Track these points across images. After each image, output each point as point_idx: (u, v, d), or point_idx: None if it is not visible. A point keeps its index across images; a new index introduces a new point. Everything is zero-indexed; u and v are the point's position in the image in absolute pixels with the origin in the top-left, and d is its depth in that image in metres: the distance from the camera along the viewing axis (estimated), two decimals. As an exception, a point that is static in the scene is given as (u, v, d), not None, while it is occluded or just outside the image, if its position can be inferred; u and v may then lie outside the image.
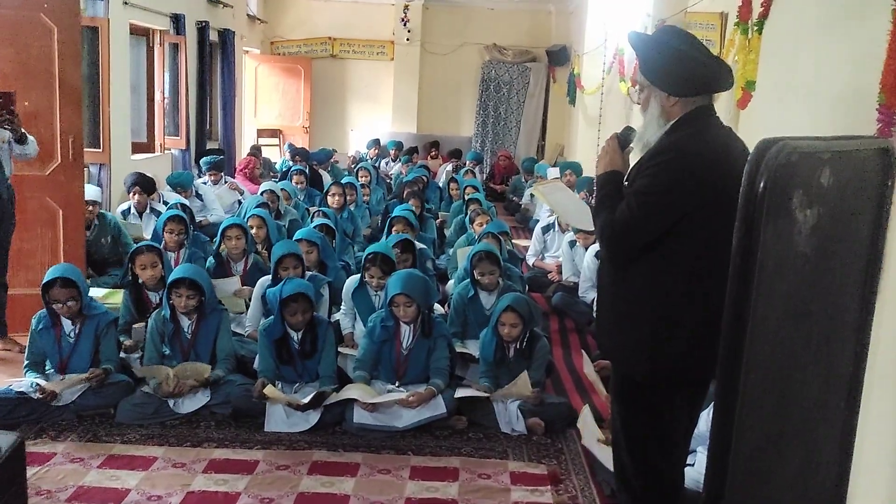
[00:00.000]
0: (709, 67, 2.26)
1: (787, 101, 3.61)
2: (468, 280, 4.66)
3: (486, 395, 3.83)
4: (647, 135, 2.33)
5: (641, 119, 2.39)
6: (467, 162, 11.51)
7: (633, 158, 2.42)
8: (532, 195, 9.91)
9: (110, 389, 3.77)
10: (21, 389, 3.65)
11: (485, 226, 6.00)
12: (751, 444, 1.61)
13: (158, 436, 3.60)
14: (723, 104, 2.40)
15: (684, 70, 2.23)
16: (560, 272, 6.29)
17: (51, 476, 3.15)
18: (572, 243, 6.14)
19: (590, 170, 8.48)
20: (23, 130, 4.31)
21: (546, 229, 6.95)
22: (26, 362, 3.83)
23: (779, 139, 1.67)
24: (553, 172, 9.46)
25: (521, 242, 7.98)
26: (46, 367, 3.86)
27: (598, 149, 8.55)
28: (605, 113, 8.91)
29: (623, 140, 2.42)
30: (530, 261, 6.93)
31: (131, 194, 6.40)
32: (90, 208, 5.58)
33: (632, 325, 2.29)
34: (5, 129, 4.21)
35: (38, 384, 3.64)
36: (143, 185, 6.38)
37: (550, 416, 3.84)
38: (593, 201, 2.44)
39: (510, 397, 3.83)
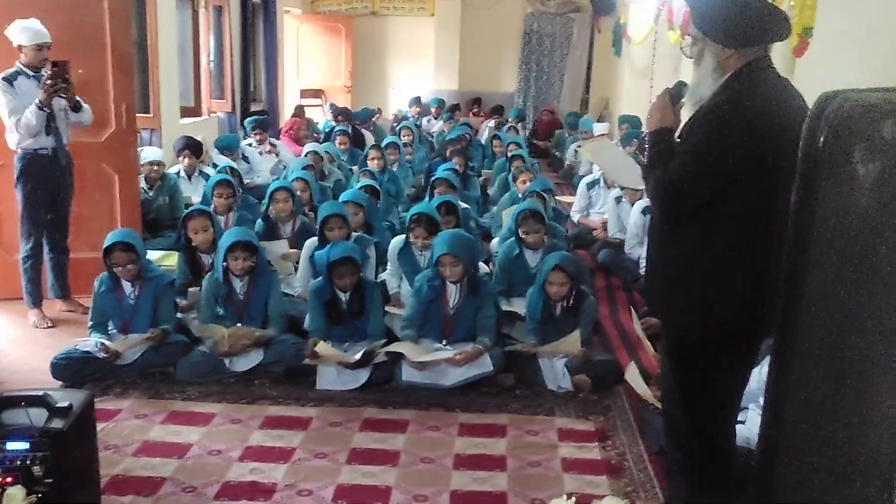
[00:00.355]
0: (765, 16, 2.18)
1: (845, 49, 3.50)
2: (513, 239, 4.67)
3: (534, 351, 3.86)
4: (700, 90, 2.27)
5: (693, 70, 2.33)
6: (509, 119, 11.41)
7: (686, 114, 2.37)
8: (577, 151, 9.80)
9: (169, 349, 3.90)
10: (86, 349, 3.79)
11: (528, 183, 5.97)
12: (806, 404, 1.61)
13: (216, 393, 3.72)
14: (778, 51, 2.34)
15: (739, 20, 2.17)
16: (605, 229, 6.25)
17: (117, 431, 3.29)
18: (618, 199, 6.09)
19: (638, 122, 8.36)
20: (78, 98, 4.40)
21: (591, 185, 6.89)
22: (90, 323, 3.97)
23: (839, 92, 1.63)
24: (600, 128, 9.31)
25: (566, 199, 7.93)
26: (109, 328, 4.00)
27: (649, 101, 8.38)
28: (655, 63, 8.71)
29: (675, 95, 2.37)
30: (575, 217, 6.89)
31: (181, 158, 6.52)
32: (155, 167, 5.74)
33: (683, 285, 2.27)
34: (62, 97, 4.30)
35: (102, 344, 3.78)
36: (193, 148, 6.48)
37: (597, 373, 3.86)
38: (644, 158, 2.41)
39: (558, 353, 3.86)
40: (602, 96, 13.04)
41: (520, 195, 6.08)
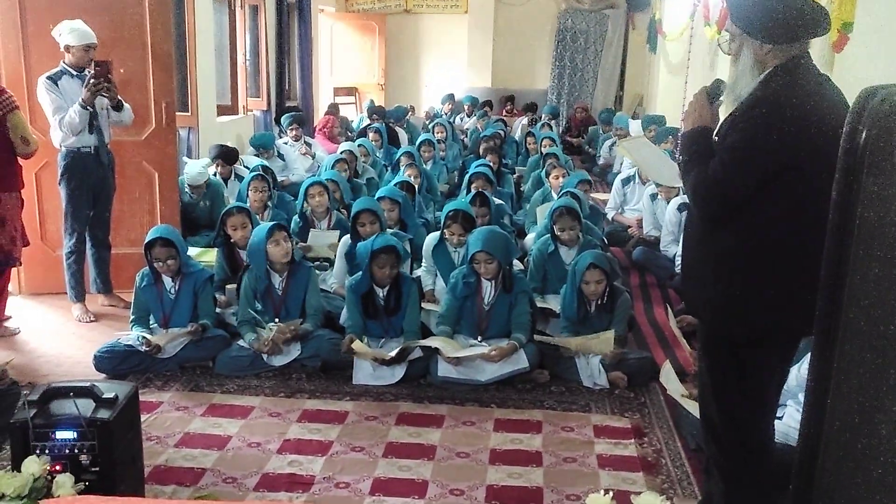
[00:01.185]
0: (804, 11, 2.16)
1: (885, 44, 3.45)
2: (548, 235, 4.67)
3: (566, 345, 3.86)
4: (738, 87, 2.26)
5: (729, 64, 2.32)
6: (543, 116, 11.38)
7: (724, 112, 2.36)
8: (611, 148, 9.76)
9: (209, 343, 3.98)
10: (129, 342, 3.88)
11: (561, 179, 5.97)
12: (847, 401, 1.60)
13: (254, 387, 3.79)
14: (816, 47, 2.31)
15: (778, 16, 2.15)
16: (640, 226, 6.22)
17: (159, 423, 3.37)
18: (653, 196, 6.05)
19: (673, 119, 8.29)
20: (119, 98, 4.50)
21: (626, 182, 6.85)
22: (132, 317, 4.06)
23: (880, 87, 1.61)
24: (635, 126, 9.26)
25: (600, 196, 7.90)
26: (150, 322, 4.08)
27: (684, 97, 8.32)
28: (690, 60, 8.63)
29: (712, 94, 2.36)
30: (609, 215, 6.85)
31: (215, 165, 6.60)
32: (196, 188, 5.84)
33: (722, 282, 2.26)
34: (104, 96, 4.40)
35: (143, 337, 3.87)
36: (226, 157, 6.54)
37: (633, 370, 3.86)
38: (680, 157, 2.40)
39: (590, 351, 3.85)
40: (636, 93, 12.95)
41: (553, 193, 6.07)
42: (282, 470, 3.00)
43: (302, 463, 3.06)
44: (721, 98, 2.37)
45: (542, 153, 7.79)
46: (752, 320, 2.22)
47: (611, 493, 2.24)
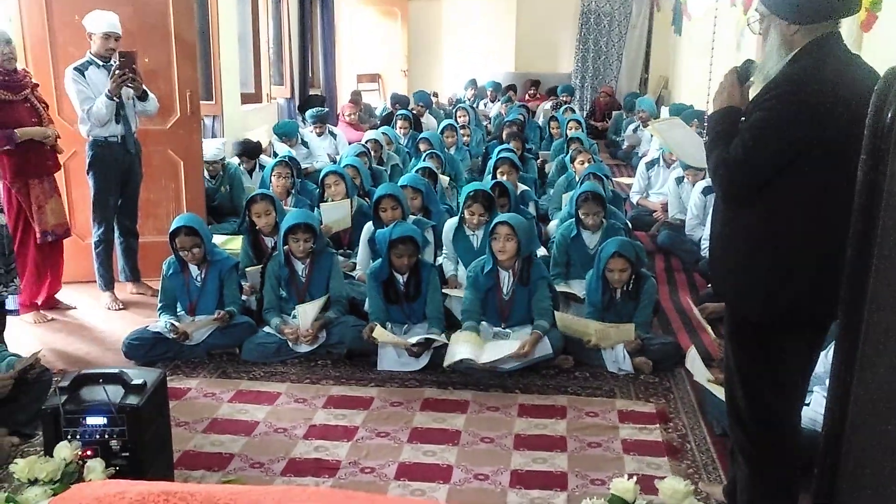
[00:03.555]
0: (833, -9, 2.13)
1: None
2: (572, 220, 4.65)
3: (586, 330, 3.84)
4: (767, 67, 2.22)
5: (757, 47, 2.28)
6: (560, 97, 11.31)
7: (754, 94, 2.32)
8: (634, 132, 9.67)
9: (235, 330, 4.02)
10: (157, 330, 3.93)
11: (586, 164, 5.93)
12: (872, 385, 1.58)
13: (280, 373, 3.82)
14: (845, 26, 2.26)
15: (806, -4, 2.11)
16: (665, 210, 6.17)
17: (187, 408, 3.41)
18: (679, 180, 6.00)
19: (699, 102, 8.18)
20: (144, 88, 4.54)
21: (650, 165, 6.80)
22: (160, 305, 4.11)
23: (909, 67, 1.58)
24: (663, 114, 9.17)
25: (624, 181, 7.84)
26: (177, 310, 4.13)
27: (709, 80, 8.20)
28: (715, 41, 8.50)
29: (742, 74, 2.33)
30: (634, 199, 6.81)
31: (239, 162, 6.61)
32: (213, 165, 5.87)
33: (747, 266, 2.23)
34: (129, 87, 4.44)
35: (171, 325, 3.92)
36: (248, 152, 6.57)
37: (658, 356, 3.84)
38: (706, 138, 2.37)
39: (609, 341, 3.83)
40: (661, 76, 12.80)
41: (576, 177, 6.04)
42: (308, 455, 3.04)
43: (328, 448, 3.09)
44: (751, 79, 2.33)
45: (566, 137, 7.75)
46: (778, 304, 2.19)
47: (635, 478, 2.24)
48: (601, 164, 6.24)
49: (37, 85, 4.39)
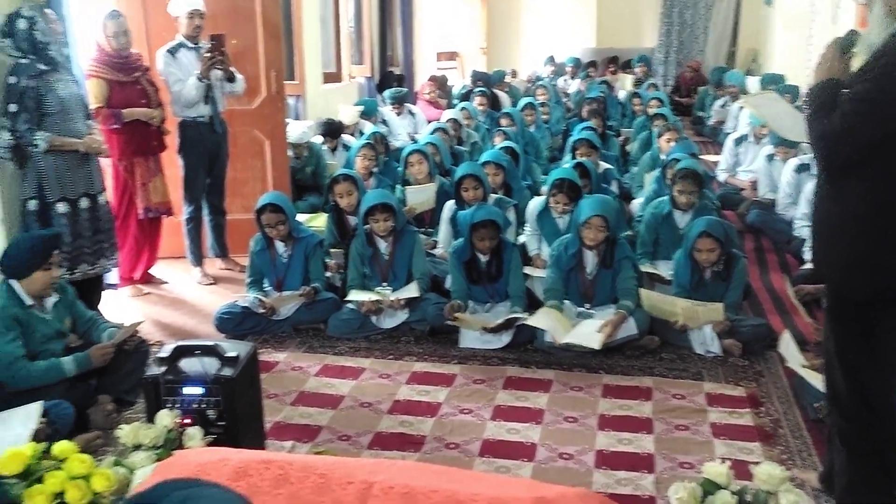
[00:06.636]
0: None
1: None
2: (662, 199, 4.54)
3: (673, 308, 3.74)
4: (871, 37, 2.13)
5: (856, 18, 2.18)
6: (636, 68, 11.05)
7: (857, 66, 2.22)
8: (722, 106, 9.38)
9: (321, 306, 4.10)
10: (245, 304, 4.05)
11: (673, 143, 5.77)
12: None
13: (365, 349, 3.88)
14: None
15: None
16: (754, 188, 5.96)
17: (277, 381, 3.51)
18: (770, 157, 5.79)
19: (792, 75, 7.85)
20: (232, 69, 4.64)
21: (739, 141, 6.58)
22: (248, 280, 4.23)
23: None
24: (752, 84, 8.85)
25: (711, 158, 7.61)
26: (265, 285, 4.24)
27: (805, 53, 7.83)
28: (812, 12, 8.11)
29: (844, 46, 2.22)
30: (721, 177, 6.61)
31: (322, 141, 6.69)
32: (298, 148, 5.97)
33: (848, 241, 2.16)
34: (218, 69, 4.55)
35: (259, 300, 4.03)
36: (330, 132, 6.64)
37: (748, 338, 3.73)
38: (805, 112, 2.28)
39: (697, 320, 3.73)
40: (750, 48, 12.31)
41: (662, 155, 5.89)
42: (393, 430, 3.08)
43: (412, 423, 3.13)
44: (854, 50, 2.23)
45: (648, 115, 7.57)
46: (879, 280, 2.12)
47: (728, 463, 2.19)
48: (689, 142, 6.05)
49: (148, 68, 4.54)
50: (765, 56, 11.53)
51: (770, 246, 5.34)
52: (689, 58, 12.54)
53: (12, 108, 3.54)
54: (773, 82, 8.14)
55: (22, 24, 3.52)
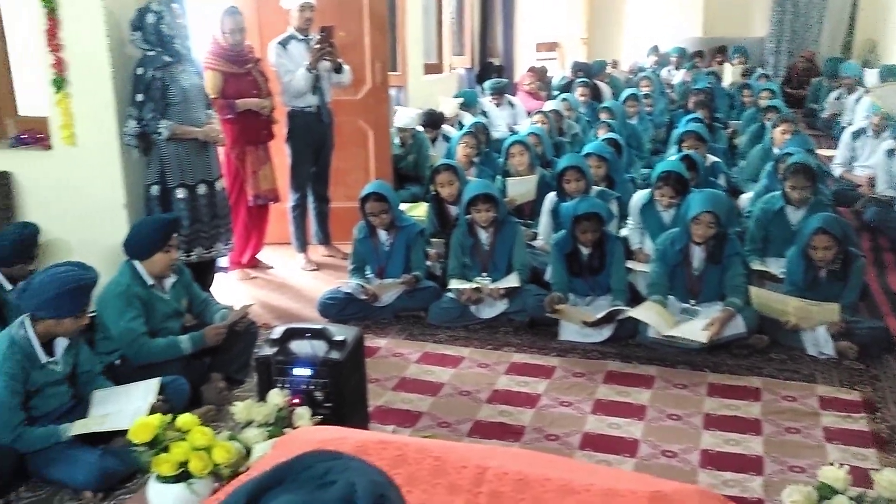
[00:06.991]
0: None
1: None
2: (773, 194, 4.37)
3: (784, 307, 3.61)
4: None
5: None
6: (733, 59, 10.64)
7: None
8: (837, 98, 8.93)
9: (421, 294, 4.16)
10: (348, 290, 4.15)
11: (789, 135, 5.54)
12: None
13: (464, 338, 3.91)
14: None
15: None
16: (871, 184, 5.65)
17: (379, 366, 3.57)
18: (890, 152, 5.48)
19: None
20: (340, 61, 4.75)
21: (856, 135, 6.26)
22: (351, 267, 4.33)
23: None
24: (870, 76, 8.39)
25: (825, 153, 7.26)
26: (366, 272, 4.33)
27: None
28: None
29: None
30: (837, 172, 6.30)
31: (423, 131, 6.73)
32: (405, 132, 6.05)
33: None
34: (327, 60, 4.67)
35: (362, 286, 4.12)
36: (431, 123, 6.67)
37: (864, 340, 3.56)
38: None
39: (811, 320, 3.58)
40: (869, 38, 11.63)
41: (775, 149, 5.65)
42: (493, 419, 3.09)
43: (512, 413, 3.13)
44: None
45: (758, 107, 7.28)
46: None
47: (846, 468, 2.10)
48: (805, 136, 5.80)
49: (259, 59, 4.71)
50: (884, 46, 10.88)
51: (888, 245, 5.08)
52: (802, 47, 11.96)
53: (139, 97, 3.73)
54: (893, 74, 7.69)
55: (150, 18, 3.70)
